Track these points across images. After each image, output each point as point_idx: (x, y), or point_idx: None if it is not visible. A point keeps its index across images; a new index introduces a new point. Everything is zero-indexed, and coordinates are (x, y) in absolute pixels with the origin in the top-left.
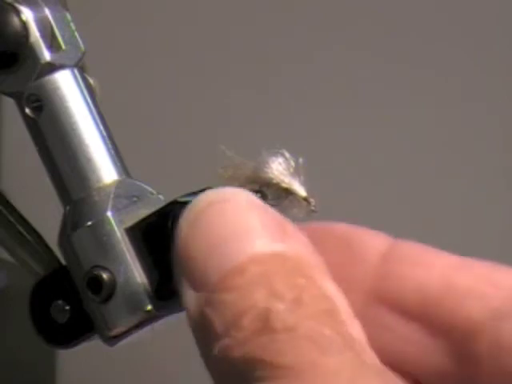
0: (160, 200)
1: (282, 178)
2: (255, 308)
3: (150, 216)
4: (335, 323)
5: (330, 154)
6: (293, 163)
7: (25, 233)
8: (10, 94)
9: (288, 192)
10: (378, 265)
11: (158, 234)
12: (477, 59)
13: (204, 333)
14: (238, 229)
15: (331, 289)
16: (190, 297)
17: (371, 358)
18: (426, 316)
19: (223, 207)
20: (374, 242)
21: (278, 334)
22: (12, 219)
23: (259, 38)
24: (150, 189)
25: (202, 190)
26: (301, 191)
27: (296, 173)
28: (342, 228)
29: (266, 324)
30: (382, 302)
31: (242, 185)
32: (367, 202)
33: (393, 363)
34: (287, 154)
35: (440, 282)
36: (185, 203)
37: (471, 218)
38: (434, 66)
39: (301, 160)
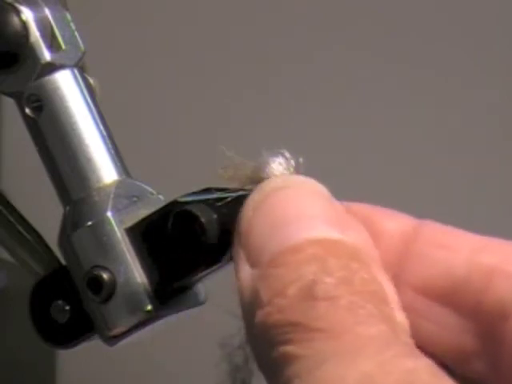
0: (160, 200)
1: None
2: (302, 279)
3: (150, 216)
4: (379, 302)
5: (330, 153)
6: (293, 163)
7: (25, 233)
8: (10, 94)
9: None
10: (399, 246)
11: (158, 234)
12: (477, 59)
13: (251, 306)
14: (300, 213)
15: (383, 278)
16: (244, 271)
17: (408, 341)
18: (452, 297)
19: (289, 192)
20: (395, 223)
21: (319, 301)
22: (12, 219)
23: (259, 38)
24: (149, 189)
25: (202, 190)
26: None
27: (296, 172)
28: (363, 208)
29: (308, 293)
30: (405, 283)
31: (242, 185)
32: (367, 201)
33: (417, 344)
34: (287, 154)
35: (466, 263)
36: (185, 203)
37: (471, 218)
38: (434, 66)
39: (301, 160)
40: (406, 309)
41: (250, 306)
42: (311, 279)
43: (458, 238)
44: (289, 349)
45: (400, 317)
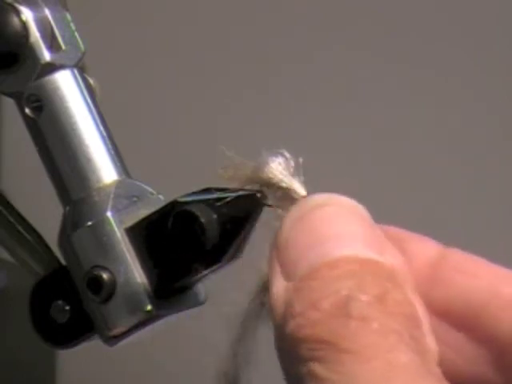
0: (160, 200)
1: (281, 177)
2: (337, 294)
3: (150, 216)
4: (411, 326)
5: (330, 154)
6: (292, 163)
7: (25, 233)
8: (10, 94)
9: (288, 191)
10: (426, 271)
11: (158, 234)
12: (477, 59)
13: (284, 317)
14: (339, 231)
15: (417, 301)
16: (279, 284)
17: (436, 371)
18: (470, 324)
19: (329, 210)
20: (424, 249)
21: (352, 320)
22: (12, 219)
23: (259, 38)
24: (149, 189)
25: (202, 190)
26: (301, 190)
27: (296, 172)
28: (393, 233)
29: (342, 310)
30: (430, 307)
31: (242, 185)
32: (367, 201)
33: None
34: (287, 154)
35: (486, 292)
36: (185, 203)
37: (470, 219)
38: (434, 66)
39: (300, 160)
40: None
41: (281, 318)
42: (346, 295)
43: (482, 266)
44: (317, 368)
45: (430, 343)
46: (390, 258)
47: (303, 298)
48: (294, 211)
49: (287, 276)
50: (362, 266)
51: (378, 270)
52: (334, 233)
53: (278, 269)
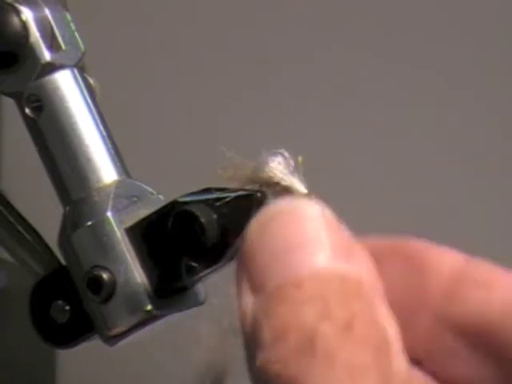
0: (160, 200)
1: (281, 176)
2: (304, 326)
3: (150, 216)
4: (379, 356)
5: (330, 153)
6: (292, 162)
7: (25, 233)
8: (10, 94)
9: (288, 191)
10: (448, 286)
11: (158, 234)
12: (477, 59)
13: (253, 339)
14: (303, 240)
15: (385, 318)
16: (247, 298)
17: None
18: (484, 342)
19: (294, 217)
20: (446, 263)
21: (318, 358)
22: (12, 219)
23: (259, 37)
24: (149, 189)
25: (202, 190)
26: (301, 189)
27: (296, 172)
28: (413, 246)
29: (309, 345)
30: (447, 324)
31: (242, 185)
32: (367, 201)
33: None
34: (286, 154)
35: (499, 307)
36: (185, 203)
37: (470, 219)
38: (433, 66)
39: (300, 159)
40: (446, 351)
41: (251, 340)
42: (312, 327)
43: (496, 278)
44: None
45: (399, 366)
46: (357, 265)
47: (270, 327)
48: (259, 217)
49: (254, 289)
50: (326, 285)
51: (344, 288)
52: (298, 242)
53: (244, 279)
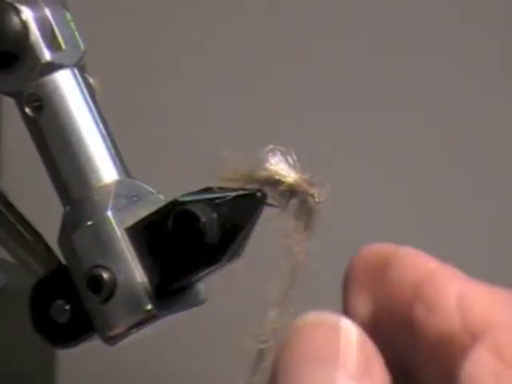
0: (160, 200)
1: (281, 173)
2: None
3: (150, 215)
4: None
5: (330, 153)
6: (291, 162)
7: (25, 233)
8: (10, 94)
9: (289, 188)
10: (411, 297)
11: (158, 234)
12: (477, 59)
13: None
14: (323, 356)
15: None
16: None
17: None
18: (443, 359)
19: (318, 332)
20: (413, 271)
21: None
22: (12, 219)
23: (259, 37)
24: (150, 189)
25: (202, 190)
26: (302, 185)
27: (295, 169)
28: (379, 249)
29: None
30: (414, 336)
31: (242, 184)
32: (367, 200)
33: None
34: (286, 153)
35: (443, 328)
36: (185, 203)
37: (470, 219)
38: (434, 66)
39: (299, 157)
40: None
41: None
42: None
43: (451, 300)
44: None
45: None
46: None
47: None
48: (291, 329)
49: None
50: None
51: None
52: (318, 358)
53: (273, 381)
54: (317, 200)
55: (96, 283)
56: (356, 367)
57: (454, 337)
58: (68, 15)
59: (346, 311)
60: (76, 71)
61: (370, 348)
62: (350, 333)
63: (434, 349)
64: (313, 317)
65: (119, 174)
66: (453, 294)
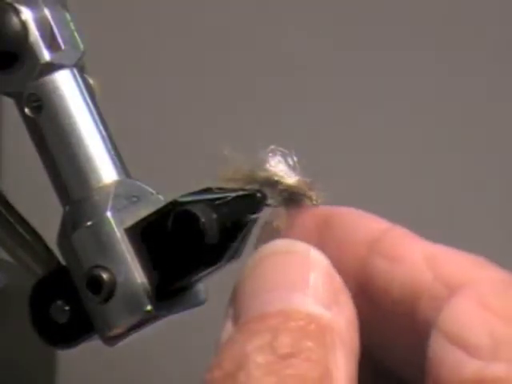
0: (160, 200)
1: (281, 174)
2: (239, 355)
3: (149, 216)
4: None
5: (330, 153)
6: (291, 162)
7: (25, 233)
8: (9, 94)
9: (288, 189)
10: (365, 254)
11: (157, 234)
12: (477, 59)
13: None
14: (287, 281)
15: (339, 371)
16: (225, 328)
17: None
18: (407, 312)
19: (285, 258)
20: (362, 231)
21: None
22: (12, 219)
23: (259, 37)
24: (149, 189)
25: (202, 190)
26: (301, 187)
27: (295, 170)
28: (341, 213)
29: (234, 373)
30: (371, 292)
31: (242, 185)
32: (366, 200)
33: (380, 359)
34: (286, 153)
35: (399, 283)
36: (185, 203)
37: (469, 218)
38: (433, 66)
39: (299, 158)
40: (373, 317)
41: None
42: (246, 356)
43: (408, 249)
44: None
45: None
46: (336, 313)
47: (223, 351)
48: (256, 254)
49: (233, 319)
50: (287, 323)
51: (307, 329)
52: (283, 282)
53: (229, 312)
54: (314, 202)
55: (96, 283)
56: (326, 296)
57: (424, 289)
58: (67, 15)
59: None
60: (75, 71)
61: (339, 281)
62: (321, 262)
63: (398, 303)
64: (283, 243)
65: (119, 174)
66: (418, 251)
